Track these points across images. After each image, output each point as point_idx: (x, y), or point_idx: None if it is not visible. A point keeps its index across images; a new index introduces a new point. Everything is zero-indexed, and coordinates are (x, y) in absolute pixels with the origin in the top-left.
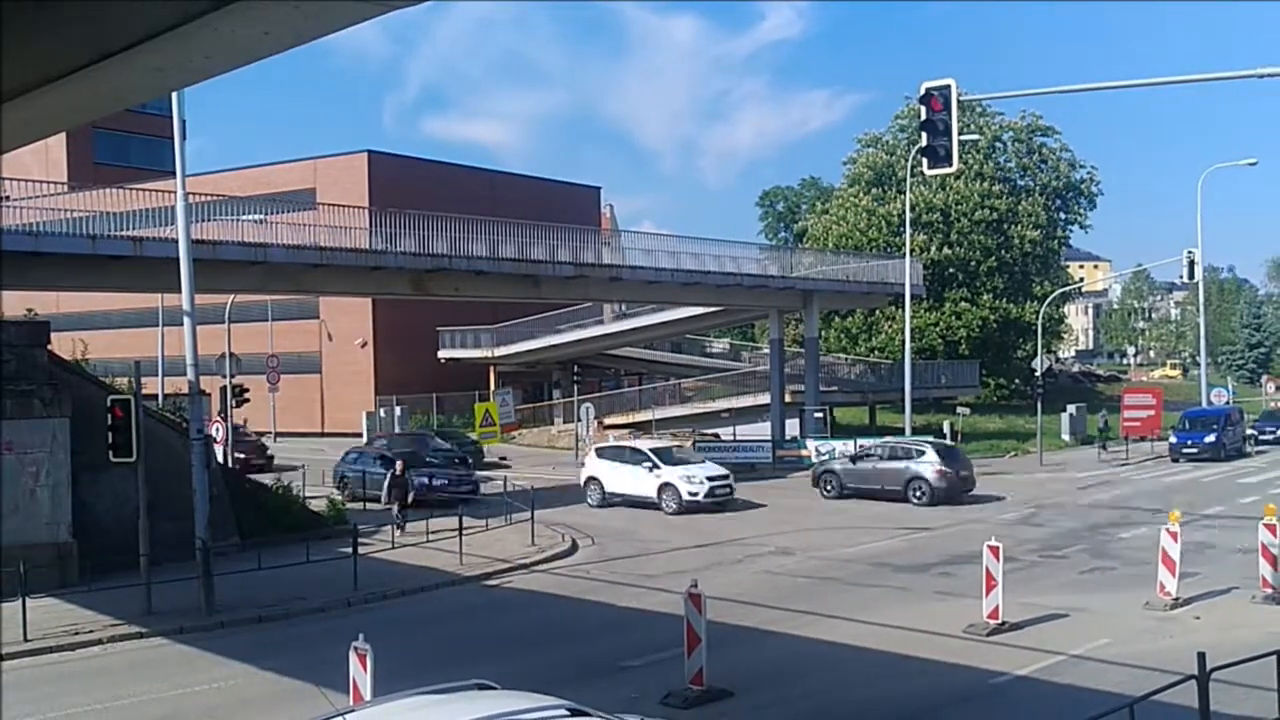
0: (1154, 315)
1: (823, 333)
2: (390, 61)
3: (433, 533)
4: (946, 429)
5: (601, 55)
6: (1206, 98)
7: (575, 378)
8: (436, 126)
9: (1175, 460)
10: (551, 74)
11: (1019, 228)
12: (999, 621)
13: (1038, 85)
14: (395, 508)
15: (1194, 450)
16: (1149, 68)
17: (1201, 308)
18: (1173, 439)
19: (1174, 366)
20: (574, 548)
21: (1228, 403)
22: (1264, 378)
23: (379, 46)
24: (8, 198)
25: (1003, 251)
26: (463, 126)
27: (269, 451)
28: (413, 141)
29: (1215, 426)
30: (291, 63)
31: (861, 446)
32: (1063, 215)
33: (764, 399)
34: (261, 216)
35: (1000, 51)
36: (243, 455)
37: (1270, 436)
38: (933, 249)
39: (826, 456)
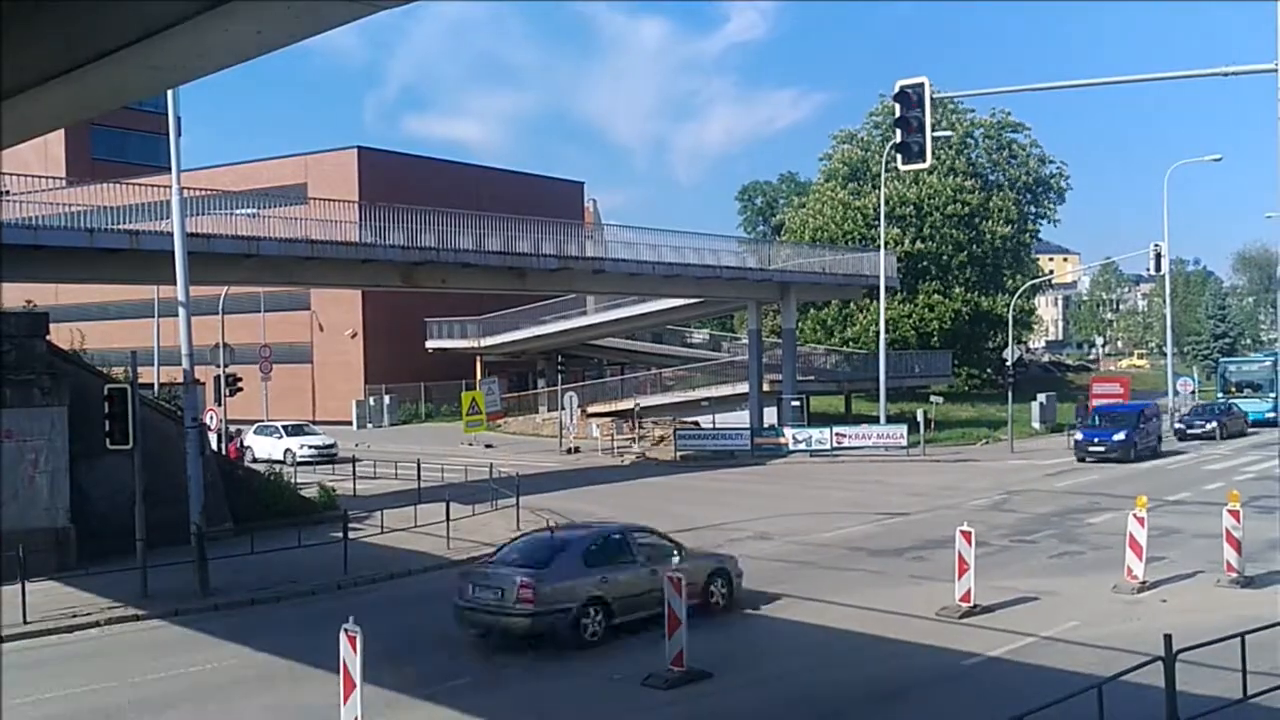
0: (1122, 307)
1: (799, 324)
2: (370, 63)
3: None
4: (920, 417)
5: (574, 56)
6: (1173, 95)
7: (559, 367)
8: (416, 126)
9: (1081, 460)
10: (526, 74)
11: (990, 222)
12: (971, 604)
13: (1002, 83)
14: None
15: (1101, 449)
16: (1118, 66)
17: (1168, 299)
18: (1079, 436)
19: (1141, 356)
20: None
21: (1193, 392)
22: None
23: (359, 49)
24: (8, 192)
25: (974, 245)
26: (441, 125)
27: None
28: (394, 141)
29: (1126, 424)
30: (275, 64)
31: None
32: (1033, 210)
33: (742, 388)
34: (254, 211)
35: (963, 51)
36: None
37: (1199, 430)
38: (906, 242)
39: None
